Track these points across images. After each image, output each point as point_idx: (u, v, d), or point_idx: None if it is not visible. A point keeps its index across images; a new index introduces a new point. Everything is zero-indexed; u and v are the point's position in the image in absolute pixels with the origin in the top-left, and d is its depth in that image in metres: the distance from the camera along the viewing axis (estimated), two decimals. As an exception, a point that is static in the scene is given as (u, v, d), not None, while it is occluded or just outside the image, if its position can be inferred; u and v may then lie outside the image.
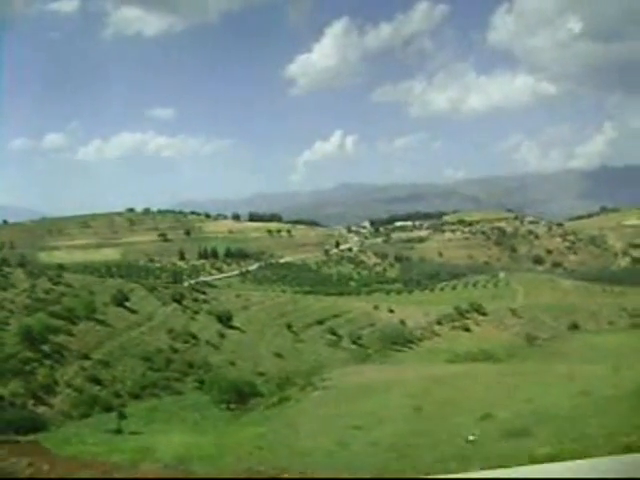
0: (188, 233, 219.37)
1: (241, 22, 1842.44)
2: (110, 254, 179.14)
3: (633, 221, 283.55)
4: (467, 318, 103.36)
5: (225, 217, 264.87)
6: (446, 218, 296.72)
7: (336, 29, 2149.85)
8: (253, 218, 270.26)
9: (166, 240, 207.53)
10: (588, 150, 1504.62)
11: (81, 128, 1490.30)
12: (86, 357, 45.75)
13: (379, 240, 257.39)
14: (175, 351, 54.84)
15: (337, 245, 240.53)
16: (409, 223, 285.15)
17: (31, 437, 30.41)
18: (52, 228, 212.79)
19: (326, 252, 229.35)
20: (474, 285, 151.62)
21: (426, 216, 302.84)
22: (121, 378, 45.05)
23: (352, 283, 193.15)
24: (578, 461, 4.19)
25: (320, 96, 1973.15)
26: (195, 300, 76.15)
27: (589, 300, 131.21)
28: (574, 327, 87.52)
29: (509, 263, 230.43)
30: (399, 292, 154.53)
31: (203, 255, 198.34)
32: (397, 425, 21.26)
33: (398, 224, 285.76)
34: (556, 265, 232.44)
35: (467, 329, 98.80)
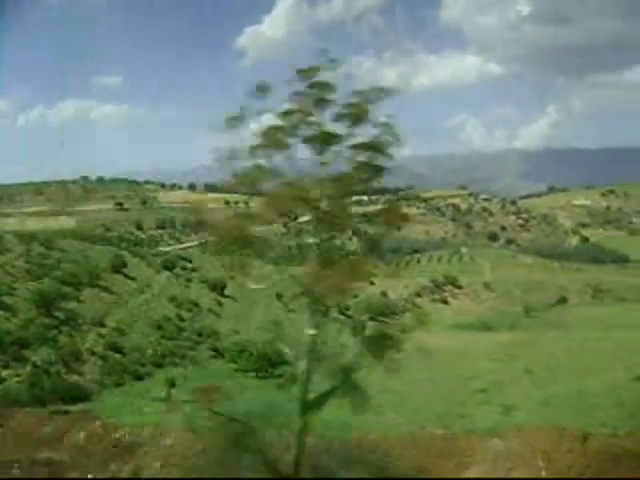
0: (144, 202, 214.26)
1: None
2: (65, 222, 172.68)
3: (581, 201, 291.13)
4: (444, 291, 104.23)
5: (180, 187, 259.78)
6: (402, 193, 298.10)
7: (287, 1, 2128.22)
8: (209, 188, 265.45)
9: (122, 209, 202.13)
10: (532, 131, 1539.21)
11: (24, 94, 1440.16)
12: (101, 324, 43.63)
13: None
14: (182, 319, 53.19)
15: (295, 218, 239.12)
16: (364, 197, 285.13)
17: (80, 406, 28.65)
18: (2, 195, 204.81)
19: (285, 224, 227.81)
20: (438, 260, 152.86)
21: (381, 191, 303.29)
22: (139, 346, 43.17)
23: (312, 254, 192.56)
24: None
25: (269, 67, 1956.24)
26: (184, 268, 74.12)
27: (554, 276, 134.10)
28: (563, 301, 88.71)
29: (465, 239, 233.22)
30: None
31: (161, 225, 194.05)
32: (539, 386, 20.56)
33: (353, 198, 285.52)
34: (510, 242, 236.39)
35: (445, 302, 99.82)
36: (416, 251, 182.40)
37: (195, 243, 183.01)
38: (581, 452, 14.35)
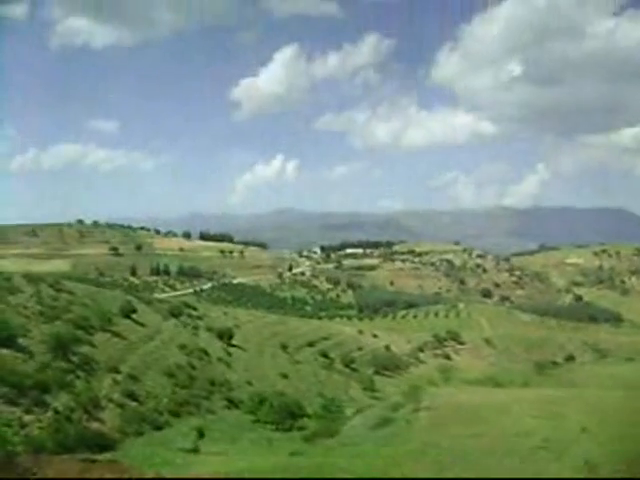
0: (139, 248, 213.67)
1: (191, 41, 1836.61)
2: (60, 265, 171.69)
3: (574, 260, 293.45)
4: (446, 346, 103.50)
5: (175, 234, 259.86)
6: (396, 247, 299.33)
7: (285, 55, 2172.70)
8: (204, 237, 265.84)
9: (117, 254, 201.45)
10: (521, 189, 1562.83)
11: (19, 136, 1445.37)
12: (115, 370, 42.36)
13: (330, 266, 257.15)
14: (193, 368, 51.79)
15: (290, 269, 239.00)
16: (359, 250, 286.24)
17: (108, 455, 27.46)
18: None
19: (279, 275, 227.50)
20: (436, 314, 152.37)
21: (376, 244, 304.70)
22: (154, 394, 41.90)
23: (307, 307, 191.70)
24: None
25: (264, 121, 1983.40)
26: (190, 316, 73.07)
27: (552, 333, 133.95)
28: (571, 358, 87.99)
29: (459, 294, 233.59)
30: (361, 319, 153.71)
31: (155, 272, 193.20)
32: (594, 445, 19.83)
33: (348, 251, 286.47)
34: (504, 299, 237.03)
35: (447, 357, 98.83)
36: (411, 305, 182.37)
37: (190, 291, 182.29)
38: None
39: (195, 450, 30.03)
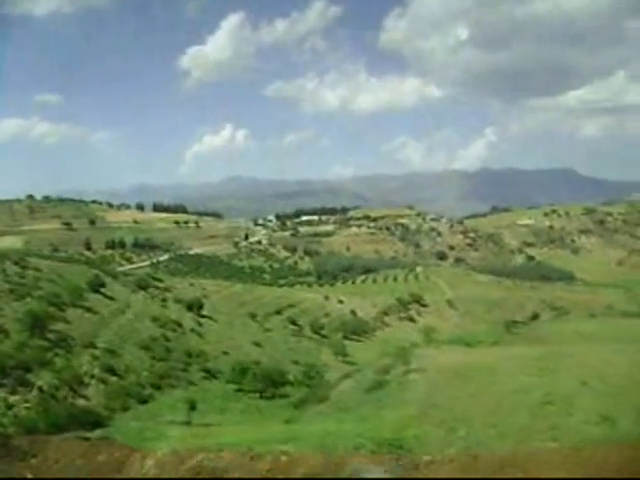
0: (93, 222, 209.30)
1: (135, 10, 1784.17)
2: (12, 242, 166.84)
3: (525, 221, 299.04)
4: (409, 309, 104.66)
5: (128, 207, 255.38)
6: (351, 213, 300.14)
7: (231, 22, 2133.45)
8: (157, 208, 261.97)
9: (70, 229, 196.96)
10: (470, 153, 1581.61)
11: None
12: (92, 346, 41.66)
13: (286, 234, 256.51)
14: (168, 340, 51.45)
15: (246, 238, 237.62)
16: (315, 217, 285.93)
17: (99, 432, 27.01)
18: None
19: (236, 244, 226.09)
20: (395, 279, 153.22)
21: (331, 211, 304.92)
22: (133, 368, 41.44)
23: (265, 276, 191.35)
24: None
25: (212, 90, 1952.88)
26: (157, 288, 72.27)
27: (510, 293, 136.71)
28: (535, 317, 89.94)
29: (415, 258, 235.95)
30: (321, 285, 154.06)
31: (110, 245, 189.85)
32: (600, 398, 20.19)
33: (304, 218, 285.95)
34: (459, 260, 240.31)
35: (412, 320, 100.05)
36: (369, 270, 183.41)
37: (147, 263, 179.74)
38: None
39: (187, 423, 29.71)
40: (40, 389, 31.38)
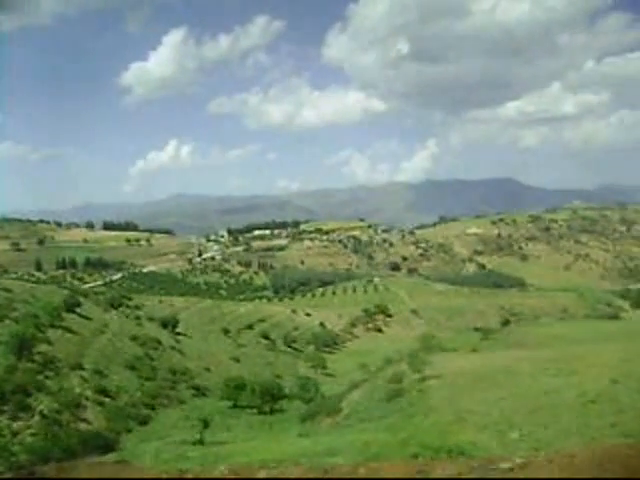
0: (41, 242, 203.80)
1: (76, 26, 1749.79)
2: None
3: (473, 230, 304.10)
4: (376, 320, 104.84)
5: (77, 225, 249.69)
6: (303, 227, 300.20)
7: (174, 38, 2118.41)
8: (108, 227, 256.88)
9: (19, 249, 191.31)
10: (413, 165, 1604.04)
11: None
12: (80, 367, 40.17)
13: (239, 249, 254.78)
14: (152, 359, 50.07)
15: (200, 254, 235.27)
16: (267, 232, 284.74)
17: (111, 456, 25.98)
18: None
19: (189, 261, 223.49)
20: (354, 290, 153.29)
21: (283, 225, 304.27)
22: (124, 388, 40.12)
23: (222, 292, 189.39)
24: None
25: (156, 105, 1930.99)
26: (128, 306, 70.56)
27: (469, 301, 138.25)
28: (506, 323, 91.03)
29: (368, 270, 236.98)
30: (280, 299, 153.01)
31: (61, 265, 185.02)
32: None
33: (256, 233, 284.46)
34: (412, 271, 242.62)
35: (379, 330, 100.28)
36: (326, 283, 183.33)
37: (99, 283, 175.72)
38: None
39: (200, 442, 28.77)
40: (42, 414, 29.99)
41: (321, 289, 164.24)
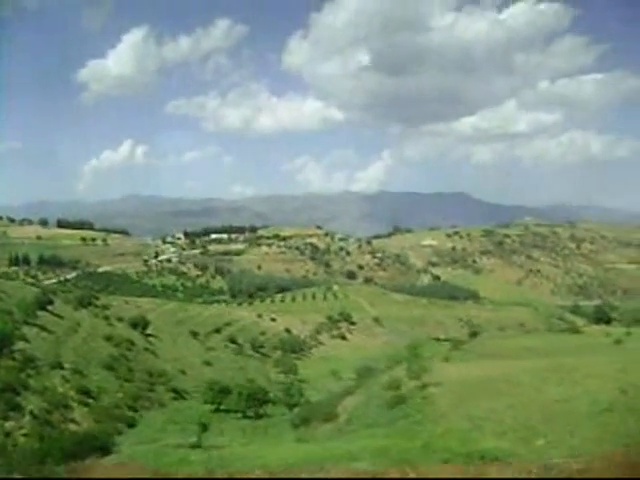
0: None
1: (32, 20, 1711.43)
2: None
3: (428, 241, 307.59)
4: (340, 327, 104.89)
5: (31, 222, 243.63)
6: (260, 232, 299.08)
7: (134, 37, 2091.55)
8: (62, 224, 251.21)
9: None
10: (368, 175, 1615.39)
11: None
12: (59, 366, 39.03)
13: (196, 252, 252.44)
14: (128, 359, 49.08)
15: (156, 256, 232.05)
16: (224, 236, 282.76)
17: (111, 458, 25.32)
18: None
19: (145, 262, 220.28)
20: (313, 297, 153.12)
21: (240, 229, 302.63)
22: (105, 389, 39.15)
23: (178, 294, 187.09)
24: None
25: (112, 104, 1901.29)
26: (96, 306, 69.01)
27: (428, 311, 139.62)
28: (473, 334, 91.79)
29: (325, 277, 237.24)
30: (239, 303, 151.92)
31: (14, 262, 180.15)
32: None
33: (213, 236, 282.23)
34: (368, 280, 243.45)
35: (343, 337, 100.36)
36: (283, 289, 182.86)
37: (54, 281, 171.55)
38: None
39: (198, 445, 28.21)
40: (32, 414, 29.02)
41: (280, 295, 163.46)
